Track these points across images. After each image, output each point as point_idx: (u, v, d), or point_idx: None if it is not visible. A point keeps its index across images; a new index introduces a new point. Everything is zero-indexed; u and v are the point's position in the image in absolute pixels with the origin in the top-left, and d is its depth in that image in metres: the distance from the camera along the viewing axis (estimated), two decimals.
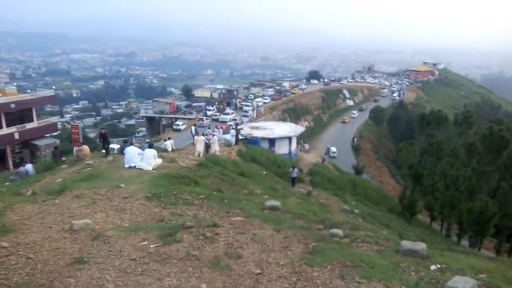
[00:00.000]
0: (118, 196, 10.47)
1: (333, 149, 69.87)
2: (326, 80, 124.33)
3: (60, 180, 13.98)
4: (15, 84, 52.39)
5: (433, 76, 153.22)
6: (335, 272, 5.63)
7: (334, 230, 7.52)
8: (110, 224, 8.11)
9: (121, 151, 19.15)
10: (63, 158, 21.64)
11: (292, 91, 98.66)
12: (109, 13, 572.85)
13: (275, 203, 9.34)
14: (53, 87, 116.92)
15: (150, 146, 15.91)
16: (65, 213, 8.87)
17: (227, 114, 66.38)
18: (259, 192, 17.55)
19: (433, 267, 5.85)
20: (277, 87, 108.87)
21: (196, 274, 5.67)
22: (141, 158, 15.16)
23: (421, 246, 6.46)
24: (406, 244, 6.58)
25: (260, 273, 5.69)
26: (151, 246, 6.71)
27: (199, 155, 22.55)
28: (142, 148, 15.95)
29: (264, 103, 78.53)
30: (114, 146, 37.45)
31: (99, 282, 5.36)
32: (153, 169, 15.00)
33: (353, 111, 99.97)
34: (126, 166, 15.28)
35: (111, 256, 6.30)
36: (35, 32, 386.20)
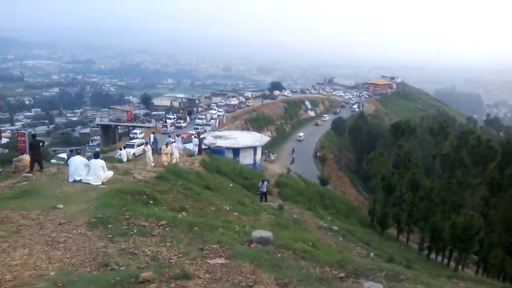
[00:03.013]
0: (52, 222, 8.05)
1: (301, 133, 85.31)
2: (267, 93, 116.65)
3: None
4: None
5: (391, 89, 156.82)
6: None
7: (371, 285, 5.20)
8: (30, 270, 5.65)
9: (67, 162, 16.52)
10: None
11: (247, 103, 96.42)
12: (67, 19, 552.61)
13: (265, 233, 7.06)
14: None
15: (96, 155, 13.39)
16: None
17: (131, 146, 37.65)
18: (227, 208, 15.46)
19: None
20: (239, 97, 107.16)
21: None
22: (88, 170, 12.68)
23: None
24: None
25: None
26: None
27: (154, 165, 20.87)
28: (89, 159, 13.44)
29: (219, 115, 75.09)
30: (63, 155, 34.49)
31: None
32: (102, 184, 12.56)
33: (325, 115, 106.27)
34: (71, 180, 12.77)
35: None
36: None
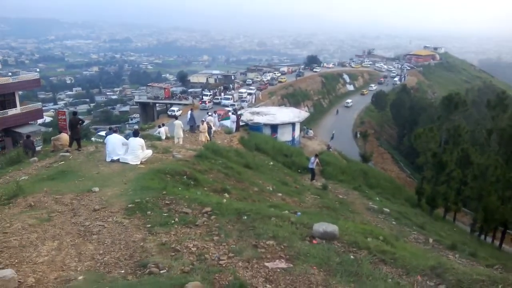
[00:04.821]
0: (87, 208, 7.36)
1: (349, 100, 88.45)
2: (298, 71, 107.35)
3: (23, 177, 10.99)
4: None
5: (434, 60, 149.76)
6: None
7: None
8: (56, 271, 4.85)
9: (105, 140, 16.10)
10: (38, 149, 18.57)
11: (279, 79, 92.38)
12: None
13: (330, 227, 5.81)
14: (37, 69, 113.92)
15: (135, 134, 12.70)
16: None
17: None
18: (270, 189, 14.59)
19: None
20: (275, 72, 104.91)
21: None
22: (126, 149, 12.06)
23: None
24: None
25: None
26: None
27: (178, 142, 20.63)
28: (127, 137, 12.81)
29: (249, 94, 72.01)
30: (103, 133, 34.64)
31: None
32: (141, 163, 11.93)
33: (371, 84, 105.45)
34: (108, 159, 12.22)
35: None
36: (27, 17, 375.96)
